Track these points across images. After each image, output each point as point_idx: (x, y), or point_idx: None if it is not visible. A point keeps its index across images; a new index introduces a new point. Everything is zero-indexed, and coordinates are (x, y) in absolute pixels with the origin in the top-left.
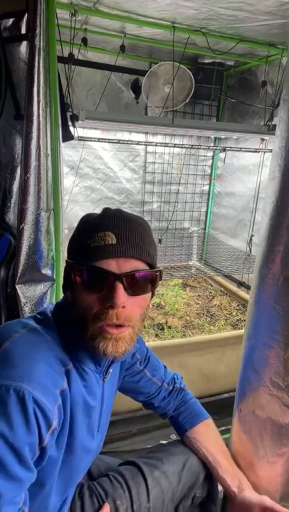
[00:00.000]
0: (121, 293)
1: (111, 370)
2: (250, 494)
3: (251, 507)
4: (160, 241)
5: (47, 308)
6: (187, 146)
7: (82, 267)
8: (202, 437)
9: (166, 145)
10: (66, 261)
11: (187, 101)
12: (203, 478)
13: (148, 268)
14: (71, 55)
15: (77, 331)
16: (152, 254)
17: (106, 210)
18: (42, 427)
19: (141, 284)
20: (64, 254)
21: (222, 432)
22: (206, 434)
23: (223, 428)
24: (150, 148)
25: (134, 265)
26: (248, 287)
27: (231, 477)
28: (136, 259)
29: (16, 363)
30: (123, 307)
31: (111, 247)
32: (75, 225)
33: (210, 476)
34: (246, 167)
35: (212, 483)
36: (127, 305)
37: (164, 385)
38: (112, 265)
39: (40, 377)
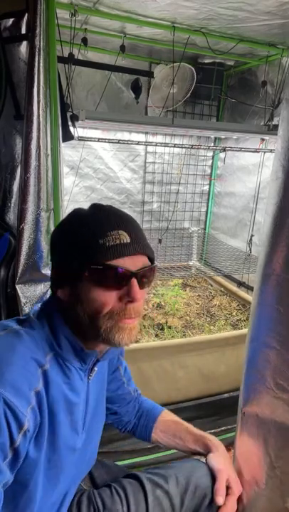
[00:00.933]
0: (138, 289)
1: (96, 369)
2: (210, 460)
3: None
4: (160, 241)
5: (31, 310)
6: (187, 146)
7: (98, 265)
8: (165, 426)
9: (166, 145)
10: (63, 259)
11: (189, 95)
12: (209, 502)
13: (150, 263)
14: (71, 55)
15: (64, 327)
16: (152, 249)
17: (102, 206)
18: (12, 428)
19: (148, 278)
20: None
21: (222, 432)
22: (166, 422)
23: (223, 428)
24: (150, 148)
25: (143, 261)
26: (248, 287)
27: (196, 443)
28: (144, 255)
29: None
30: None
31: (127, 246)
32: None
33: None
34: (246, 167)
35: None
36: (141, 299)
37: (134, 393)
38: (128, 263)
39: (13, 379)
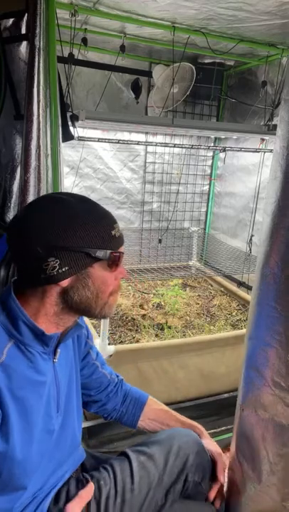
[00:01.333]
0: None
1: (59, 350)
2: (205, 444)
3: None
4: (160, 241)
5: None
6: (187, 146)
7: (117, 253)
8: (153, 415)
9: (166, 145)
10: (75, 251)
11: (188, 93)
12: (194, 461)
13: None
14: (71, 55)
15: (23, 314)
16: None
17: (88, 199)
18: None
19: None
20: None
21: (222, 432)
22: (155, 410)
23: (223, 428)
24: (150, 148)
25: None
26: (248, 287)
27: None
28: None
29: None
30: None
31: (122, 237)
32: None
33: (202, 460)
34: (246, 167)
35: (205, 467)
36: None
37: (112, 377)
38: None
39: None
